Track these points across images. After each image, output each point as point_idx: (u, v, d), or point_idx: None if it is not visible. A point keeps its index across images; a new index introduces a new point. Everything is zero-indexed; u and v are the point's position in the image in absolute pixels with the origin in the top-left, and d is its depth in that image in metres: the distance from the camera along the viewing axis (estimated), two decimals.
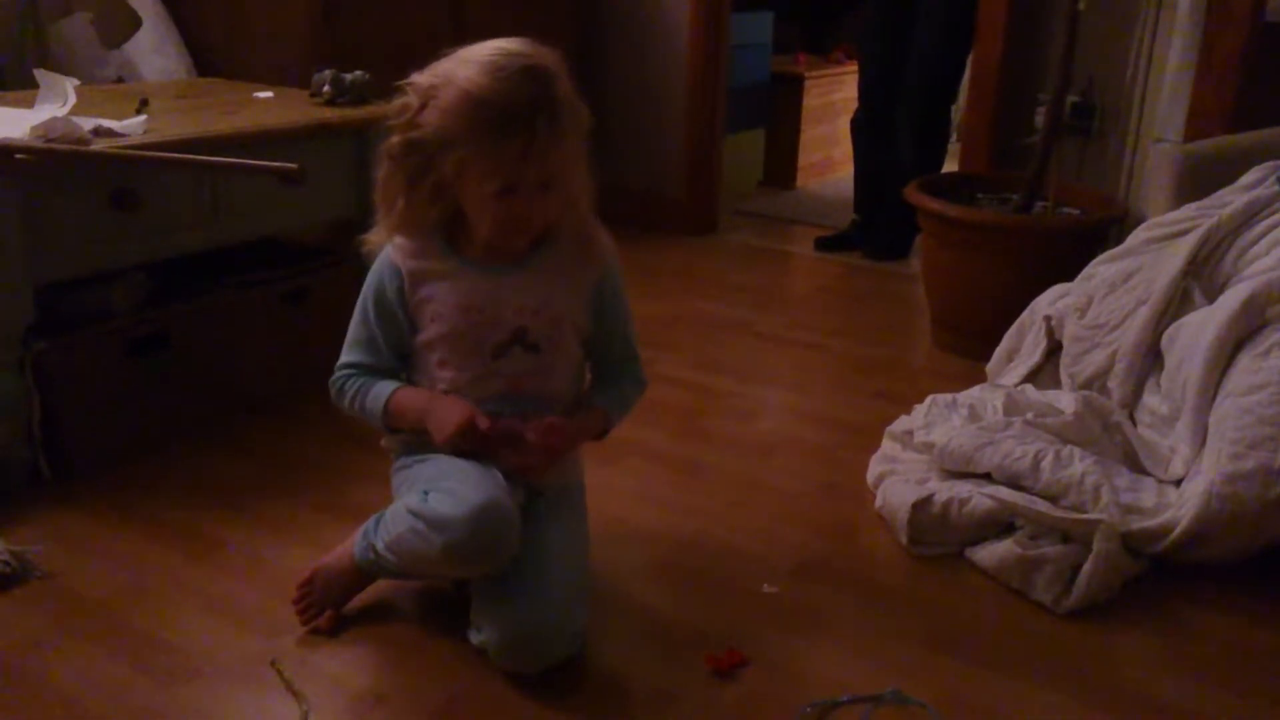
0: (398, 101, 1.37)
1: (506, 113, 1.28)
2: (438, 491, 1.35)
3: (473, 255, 1.43)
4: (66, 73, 2.20)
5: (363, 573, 1.49)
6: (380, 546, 1.44)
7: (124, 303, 1.99)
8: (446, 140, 1.32)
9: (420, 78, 1.35)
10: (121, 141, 1.85)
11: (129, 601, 1.55)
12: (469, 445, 1.39)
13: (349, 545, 1.50)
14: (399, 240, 1.43)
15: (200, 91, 2.51)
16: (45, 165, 1.75)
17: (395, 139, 1.37)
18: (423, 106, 1.34)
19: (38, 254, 1.79)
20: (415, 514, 1.35)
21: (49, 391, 1.84)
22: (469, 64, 1.31)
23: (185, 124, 2.05)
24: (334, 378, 1.49)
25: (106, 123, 1.89)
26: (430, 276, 1.43)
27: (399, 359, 1.48)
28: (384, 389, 1.45)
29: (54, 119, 1.80)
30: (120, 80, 2.83)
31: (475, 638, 1.41)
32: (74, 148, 1.76)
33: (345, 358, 1.49)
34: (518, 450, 1.41)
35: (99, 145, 1.81)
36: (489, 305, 1.42)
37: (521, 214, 1.36)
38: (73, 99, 2.04)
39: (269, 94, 2.43)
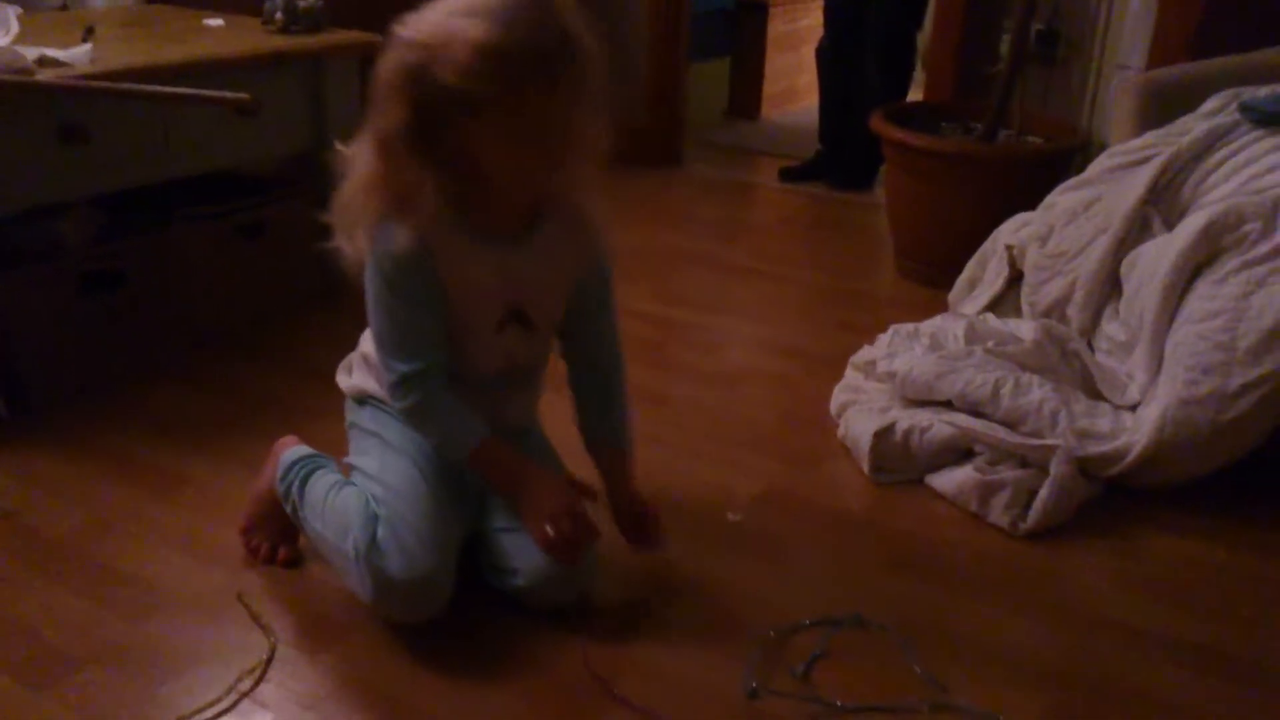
0: (391, 66, 1.21)
1: (532, 58, 1.18)
2: (389, 534, 1.29)
3: (475, 228, 1.33)
4: (9, 1, 2.13)
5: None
6: (308, 523, 1.40)
7: (75, 238, 1.95)
8: (469, 102, 1.19)
9: (410, 34, 1.21)
10: (67, 72, 1.80)
11: (91, 537, 1.55)
12: (562, 533, 1.33)
13: (271, 482, 1.47)
14: (414, 214, 1.27)
15: (148, 19, 2.44)
16: None
17: (400, 113, 1.21)
18: (425, 70, 1.19)
19: None
20: (362, 558, 1.29)
21: (3, 328, 1.81)
22: (472, 15, 1.18)
23: (133, 53, 2.00)
24: (411, 393, 1.33)
25: (51, 52, 1.83)
26: (443, 249, 1.32)
27: (444, 339, 1.36)
28: (474, 430, 1.35)
29: None
30: (65, 7, 2.73)
31: (507, 583, 1.39)
32: (18, 78, 1.71)
33: (406, 366, 1.32)
34: (631, 535, 1.44)
35: (44, 76, 1.75)
36: (491, 281, 1.36)
37: (541, 164, 1.27)
38: (15, 27, 1.97)
39: (219, 21, 2.36)
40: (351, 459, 1.45)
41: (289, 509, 1.44)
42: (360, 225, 1.30)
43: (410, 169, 1.25)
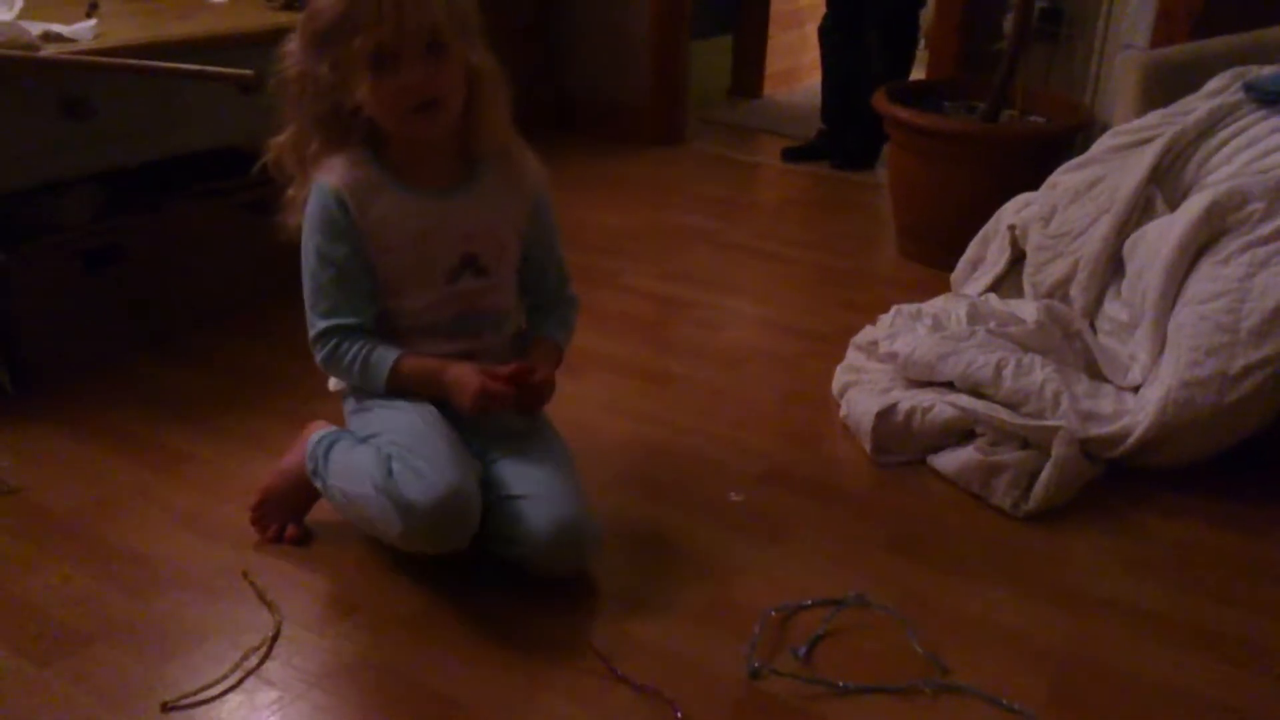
0: (279, 53, 1.36)
1: None
2: (403, 465, 1.33)
3: (413, 182, 1.40)
4: None
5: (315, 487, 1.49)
6: (333, 489, 1.43)
7: (78, 214, 1.95)
8: (313, 48, 1.32)
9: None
10: (71, 47, 1.79)
11: (97, 515, 1.55)
12: (491, 408, 1.39)
13: (298, 462, 1.49)
14: (332, 171, 1.38)
15: None
16: None
17: (298, 66, 1.34)
18: (305, 21, 1.33)
19: None
20: (381, 490, 1.32)
21: (6, 306, 1.81)
22: None
23: (137, 29, 1.99)
24: (322, 345, 1.42)
25: (55, 27, 1.83)
26: (374, 204, 1.39)
27: (373, 298, 1.43)
28: (387, 355, 1.41)
29: (0, 23, 1.74)
30: None
31: (513, 551, 1.40)
32: (22, 53, 1.70)
33: (324, 322, 1.41)
34: (519, 398, 1.43)
35: (48, 51, 1.75)
36: (436, 232, 1.41)
37: (416, 82, 1.31)
38: (19, 3, 1.96)
39: None
40: (359, 433, 1.46)
41: (318, 483, 1.46)
42: (295, 181, 1.41)
43: (321, 122, 1.37)
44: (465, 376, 1.39)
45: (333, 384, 1.53)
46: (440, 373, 1.41)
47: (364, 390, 1.45)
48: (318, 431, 1.49)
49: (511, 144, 1.46)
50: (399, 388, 1.42)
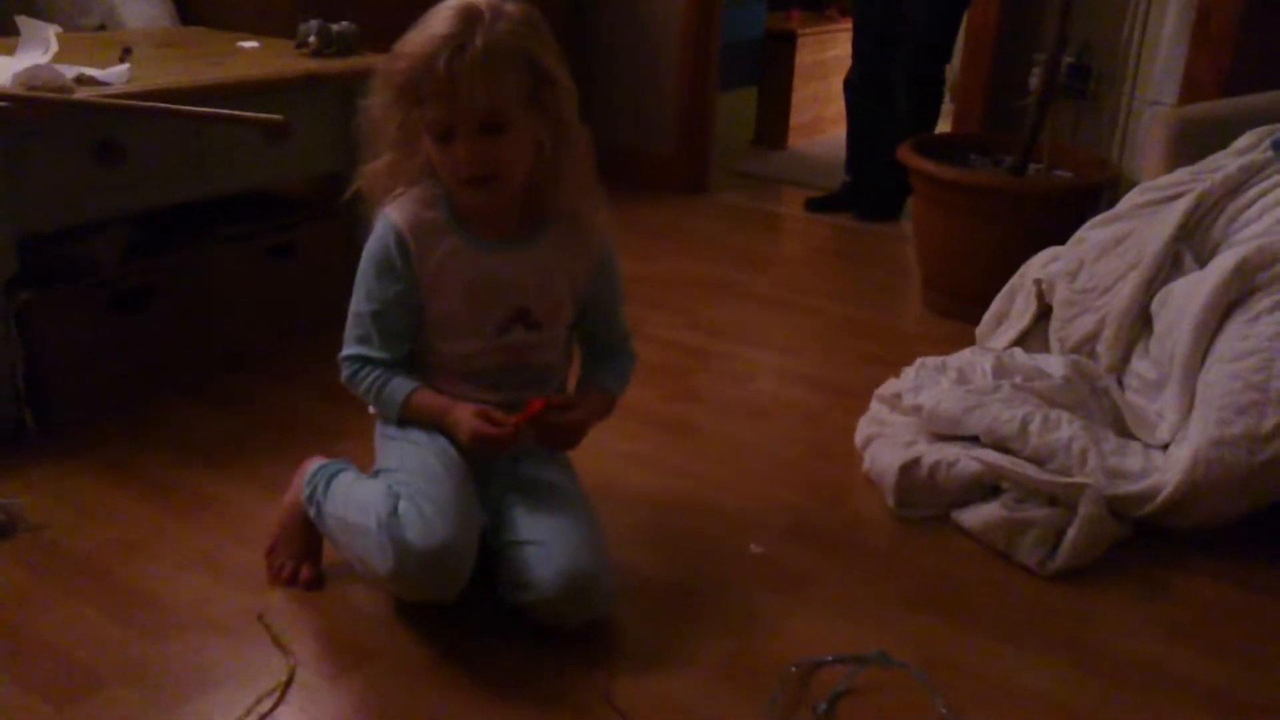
0: (369, 87, 1.38)
1: (419, 52, 1.28)
2: (410, 505, 1.33)
3: (477, 231, 1.42)
4: (49, 20, 2.16)
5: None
6: (329, 517, 1.42)
7: (108, 255, 1.97)
8: (387, 100, 1.34)
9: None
10: (105, 90, 1.82)
11: (116, 555, 1.55)
12: (488, 451, 1.40)
13: (297, 500, 1.49)
14: (401, 209, 1.40)
15: (184, 40, 2.47)
16: (27, 114, 1.71)
17: (379, 110, 1.36)
18: (385, 68, 1.35)
19: (20, 205, 1.76)
20: (383, 525, 1.32)
21: (33, 344, 1.83)
22: (414, 26, 1.32)
23: (169, 73, 2.02)
24: (347, 366, 1.44)
25: (89, 71, 1.86)
26: (436, 249, 1.40)
27: (409, 338, 1.44)
28: (401, 387, 1.42)
29: (36, 66, 1.77)
30: (103, 28, 2.78)
31: (523, 598, 1.38)
32: (56, 96, 1.73)
33: (354, 348, 1.43)
34: (542, 435, 1.43)
35: (82, 94, 1.78)
36: (493, 285, 1.42)
37: (468, 159, 1.32)
38: (55, 46, 2.00)
39: (254, 44, 2.39)
40: (377, 465, 1.46)
41: (312, 511, 1.45)
42: (373, 206, 1.43)
43: (399, 160, 1.39)
44: (462, 420, 1.39)
45: (373, 407, 1.53)
46: (443, 413, 1.42)
47: (382, 416, 1.46)
48: (317, 461, 1.50)
49: (583, 205, 1.45)
50: (411, 420, 1.43)
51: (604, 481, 1.52)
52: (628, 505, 1.73)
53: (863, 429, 1.95)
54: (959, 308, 2.55)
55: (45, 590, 1.47)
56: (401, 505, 1.33)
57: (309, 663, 1.35)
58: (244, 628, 1.41)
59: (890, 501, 1.76)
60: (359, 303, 1.43)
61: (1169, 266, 1.93)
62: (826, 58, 4.55)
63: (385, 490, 1.36)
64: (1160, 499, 1.66)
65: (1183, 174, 2.06)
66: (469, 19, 1.29)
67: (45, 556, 1.54)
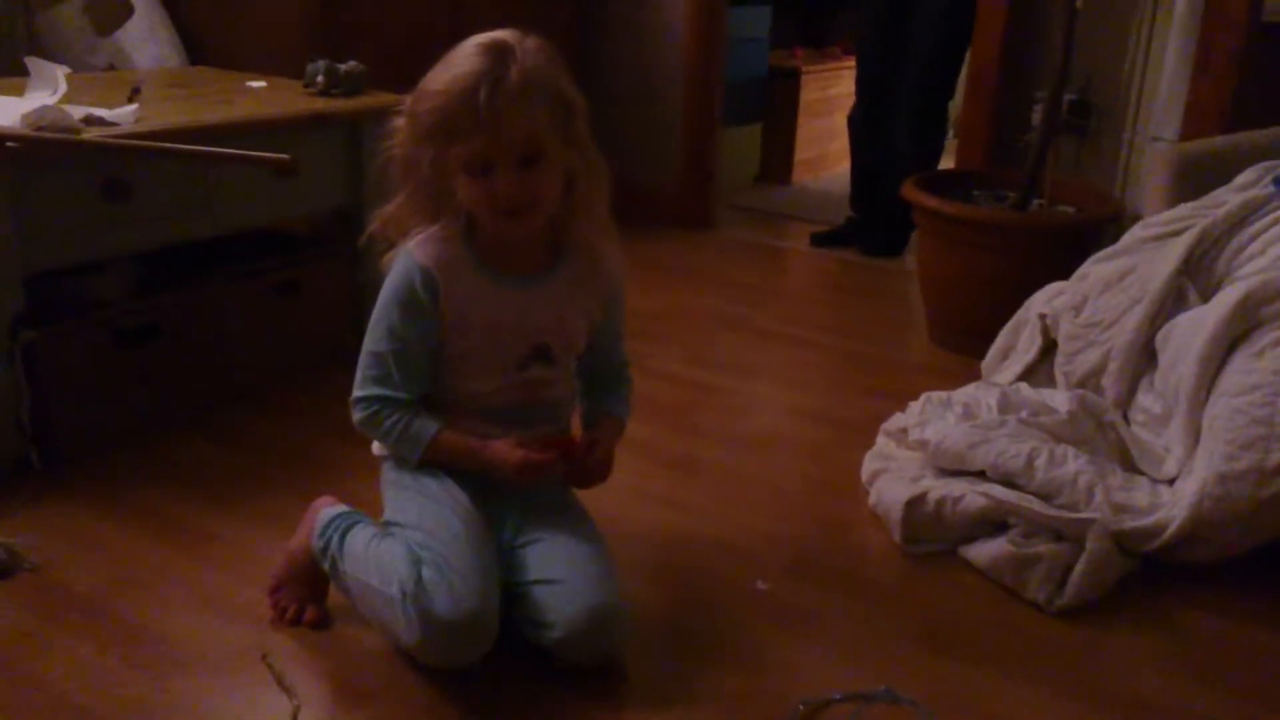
0: (389, 128, 1.38)
1: (453, 89, 1.28)
2: (435, 574, 1.31)
3: (499, 267, 1.42)
4: (58, 60, 2.19)
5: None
6: (348, 577, 1.40)
7: (114, 292, 1.98)
8: (416, 140, 1.34)
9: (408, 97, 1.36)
10: (113, 130, 1.84)
11: (118, 594, 1.54)
12: (537, 478, 1.41)
13: (306, 543, 1.47)
14: (424, 247, 1.40)
15: (192, 80, 2.50)
16: (36, 154, 1.73)
17: (403, 149, 1.36)
18: (411, 108, 1.35)
19: (28, 243, 1.78)
20: (410, 596, 1.30)
21: (38, 381, 1.83)
22: (437, 64, 1.32)
23: (177, 113, 2.04)
24: (364, 408, 1.42)
25: (98, 111, 1.88)
26: (459, 286, 1.39)
27: (429, 378, 1.43)
28: (427, 427, 1.41)
29: (45, 107, 1.79)
30: (112, 68, 2.81)
31: (542, 636, 1.37)
32: (65, 136, 1.75)
33: (372, 389, 1.41)
34: (574, 472, 1.45)
35: (90, 134, 1.79)
36: (514, 321, 1.42)
37: (506, 192, 1.32)
38: (64, 87, 2.02)
39: (262, 84, 2.42)
40: (388, 515, 1.45)
41: (327, 564, 1.44)
42: (393, 245, 1.43)
43: (422, 199, 1.39)
44: (505, 452, 1.39)
45: (376, 448, 1.52)
46: (480, 450, 1.41)
47: (400, 458, 1.45)
48: (328, 509, 1.48)
49: (599, 237, 1.46)
50: (435, 460, 1.42)
51: (607, 517, 1.52)
52: (631, 541, 1.72)
53: (868, 464, 1.94)
54: (964, 342, 2.55)
55: (46, 629, 1.46)
56: (426, 574, 1.31)
57: (312, 702, 1.34)
58: (247, 667, 1.40)
59: (896, 537, 1.75)
60: (377, 341, 1.41)
61: (1173, 301, 1.93)
62: (831, 95, 4.58)
63: (406, 555, 1.34)
64: (1167, 534, 1.65)
65: (1185, 209, 2.06)
66: (500, 53, 1.29)
67: (47, 595, 1.54)
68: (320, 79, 2.30)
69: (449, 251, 1.40)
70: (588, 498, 1.54)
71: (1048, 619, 1.58)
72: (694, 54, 3.53)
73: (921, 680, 1.42)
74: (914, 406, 2.01)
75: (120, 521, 1.73)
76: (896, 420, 2.00)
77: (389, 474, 1.49)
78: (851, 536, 1.80)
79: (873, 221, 3.49)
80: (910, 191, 2.65)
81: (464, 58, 1.30)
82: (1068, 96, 2.78)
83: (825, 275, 3.37)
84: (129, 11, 2.80)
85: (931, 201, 2.58)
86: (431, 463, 1.43)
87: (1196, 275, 1.95)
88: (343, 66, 2.31)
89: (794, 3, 4.75)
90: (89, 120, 1.84)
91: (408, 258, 1.40)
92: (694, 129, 3.62)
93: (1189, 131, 2.57)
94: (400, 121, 1.37)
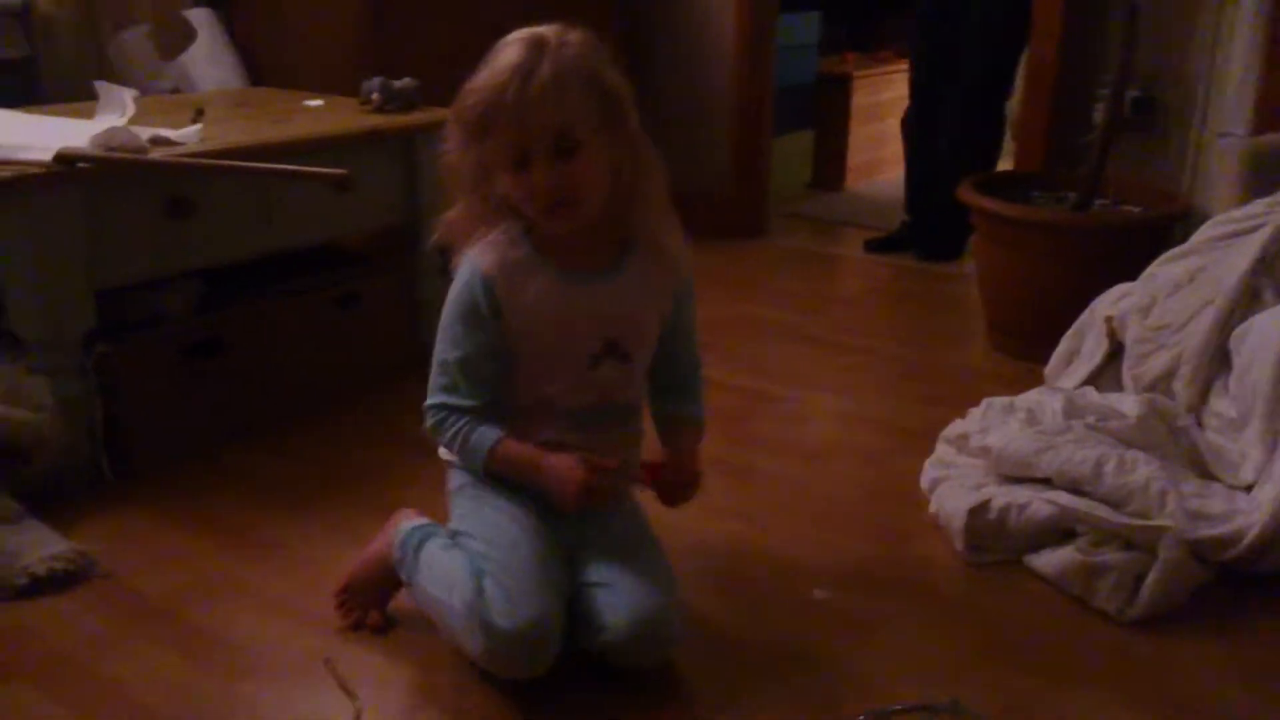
0: (442, 138, 1.39)
1: (489, 84, 1.28)
2: (495, 584, 1.32)
3: (564, 264, 1.40)
4: (125, 84, 2.24)
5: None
6: (421, 588, 1.42)
7: (179, 308, 2.02)
8: (463, 140, 1.34)
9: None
10: (178, 150, 1.88)
11: (188, 600, 1.57)
12: (594, 506, 1.39)
13: (383, 550, 1.49)
14: (486, 252, 1.39)
15: (253, 101, 2.55)
16: (106, 173, 1.77)
17: (455, 154, 1.37)
18: (456, 111, 1.35)
19: (98, 261, 1.82)
20: (470, 607, 1.31)
21: (110, 395, 1.87)
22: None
23: (239, 132, 2.08)
24: (433, 414, 1.43)
25: (164, 132, 1.92)
26: (526, 287, 1.38)
27: (495, 384, 1.42)
28: (487, 436, 1.39)
29: (114, 129, 1.84)
30: (177, 91, 2.88)
31: (595, 639, 1.37)
32: (132, 156, 1.79)
33: (440, 396, 1.41)
34: (665, 492, 1.44)
35: (156, 154, 1.84)
36: (582, 318, 1.40)
37: (544, 183, 1.31)
38: (131, 109, 2.07)
39: (319, 102, 2.46)
40: (453, 524, 1.46)
41: (404, 575, 1.45)
42: (455, 252, 1.42)
43: (479, 203, 1.38)
44: (565, 469, 1.36)
45: (443, 452, 1.52)
46: (538, 463, 1.39)
47: (466, 466, 1.45)
48: (408, 522, 1.49)
49: (664, 230, 1.44)
50: (497, 471, 1.41)
51: (664, 526, 1.51)
52: (689, 551, 1.71)
53: (928, 471, 1.91)
54: (1025, 347, 2.51)
55: (118, 634, 1.49)
56: (486, 584, 1.32)
57: (375, 705, 1.35)
58: (312, 671, 1.41)
59: (959, 546, 1.72)
60: (444, 350, 1.41)
61: (1247, 301, 1.88)
62: (882, 99, 4.54)
63: (468, 566, 1.35)
64: (1245, 542, 1.60)
65: (1257, 206, 2.01)
66: (537, 46, 1.29)
67: (119, 601, 1.57)
68: (375, 96, 2.33)
69: (513, 254, 1.39)
70: (646, 507, 1.53)
71: (1118, 630, 1.54)
72: (744, 61, 3.52)
73: (988, 692, 1.39)
74: (974, 413, 1.98)
75: (189, 530, 1.76)
76: (956, 427, 1.97)
77: (454, 479, 1.49)
78: (912, 546, 1.77)
79: (928, 225, 3.45)
80: (967, 194, 2.62)
81: (502, 54, 1.30)
82: (1131, 93, 2.73)
83: (880, 281, 3.34)
84: (192, 36, 2.87)
85: (990, 204, 2.54)
86: (495, 474, 1.42)
87: (1273, 273, 1.90)
88: (397, 83, 2.34)
89: (844, 8, 4.73)
90: (156, 140, 1.89)
91: (470, 265, 1.40)
92: (745, 137, 3.61)
93: (1259, 126, 2.50)
94: (450, 126, 1.37)
